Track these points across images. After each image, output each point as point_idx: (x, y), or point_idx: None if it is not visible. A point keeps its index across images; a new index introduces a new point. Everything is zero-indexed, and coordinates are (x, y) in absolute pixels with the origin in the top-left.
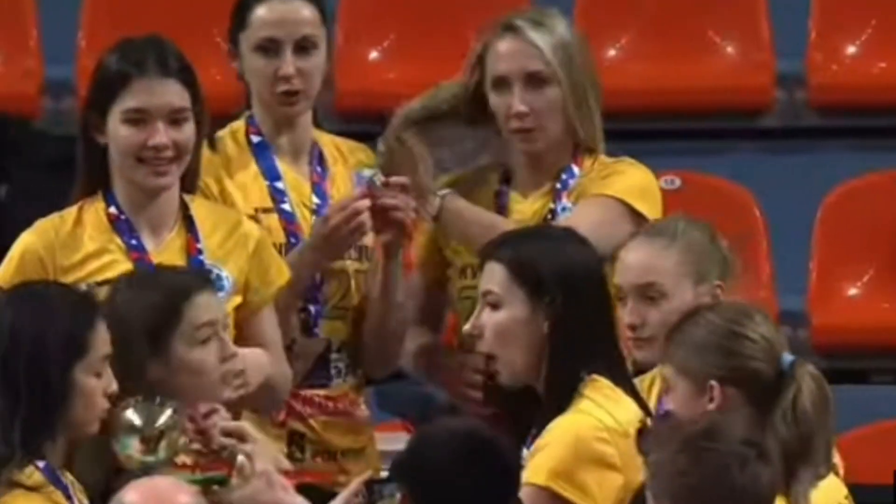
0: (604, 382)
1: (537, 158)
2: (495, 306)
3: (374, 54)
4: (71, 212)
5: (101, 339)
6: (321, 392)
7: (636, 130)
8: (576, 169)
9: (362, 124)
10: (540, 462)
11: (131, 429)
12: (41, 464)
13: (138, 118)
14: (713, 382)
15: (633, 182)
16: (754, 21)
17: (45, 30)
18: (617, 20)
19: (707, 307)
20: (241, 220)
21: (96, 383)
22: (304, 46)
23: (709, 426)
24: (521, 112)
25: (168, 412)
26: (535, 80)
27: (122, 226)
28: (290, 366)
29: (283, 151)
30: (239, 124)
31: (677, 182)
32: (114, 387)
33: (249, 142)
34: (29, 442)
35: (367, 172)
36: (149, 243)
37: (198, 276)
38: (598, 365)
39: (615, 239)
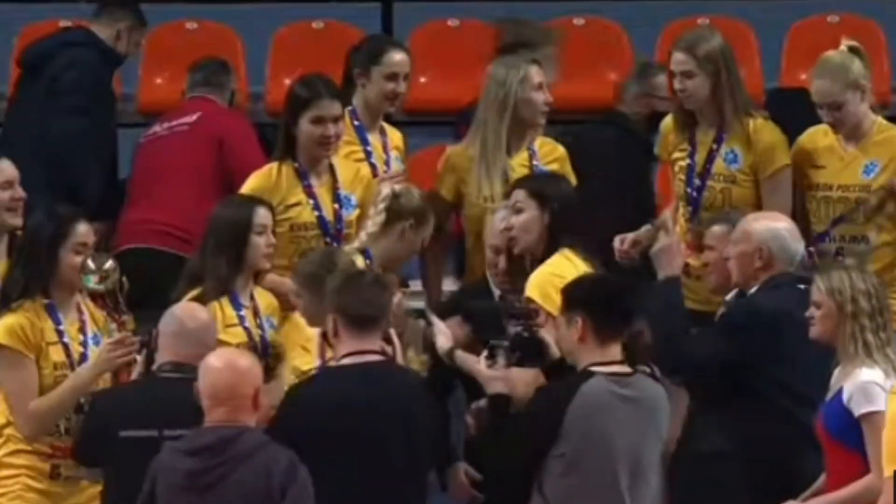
0: (569, 253)
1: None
2: (519, 211)
3: (423, 79)
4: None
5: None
6: None
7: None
8: None
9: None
10: None
11: (90, 269)
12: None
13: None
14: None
15: None
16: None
17: None
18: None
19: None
20: None
21: (74, 258)
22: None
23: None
24: None
25: (109, 261)
26: None
27: None
28: None
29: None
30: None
31: None
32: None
33: (355, 126)
34: (31, 291)
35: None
36: None
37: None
38: (573, 241)
39: None
